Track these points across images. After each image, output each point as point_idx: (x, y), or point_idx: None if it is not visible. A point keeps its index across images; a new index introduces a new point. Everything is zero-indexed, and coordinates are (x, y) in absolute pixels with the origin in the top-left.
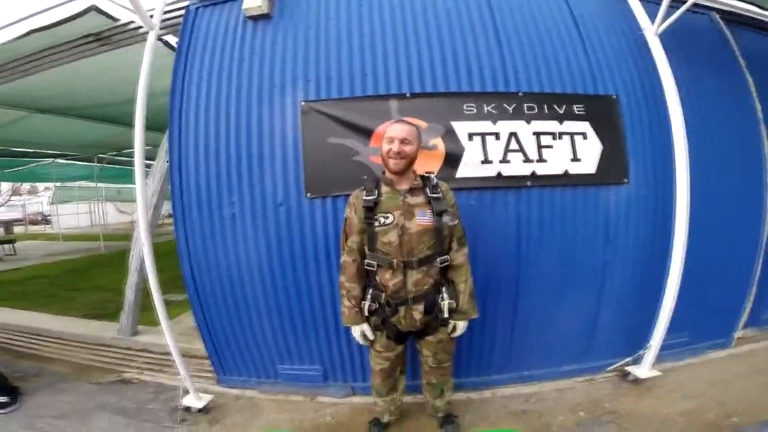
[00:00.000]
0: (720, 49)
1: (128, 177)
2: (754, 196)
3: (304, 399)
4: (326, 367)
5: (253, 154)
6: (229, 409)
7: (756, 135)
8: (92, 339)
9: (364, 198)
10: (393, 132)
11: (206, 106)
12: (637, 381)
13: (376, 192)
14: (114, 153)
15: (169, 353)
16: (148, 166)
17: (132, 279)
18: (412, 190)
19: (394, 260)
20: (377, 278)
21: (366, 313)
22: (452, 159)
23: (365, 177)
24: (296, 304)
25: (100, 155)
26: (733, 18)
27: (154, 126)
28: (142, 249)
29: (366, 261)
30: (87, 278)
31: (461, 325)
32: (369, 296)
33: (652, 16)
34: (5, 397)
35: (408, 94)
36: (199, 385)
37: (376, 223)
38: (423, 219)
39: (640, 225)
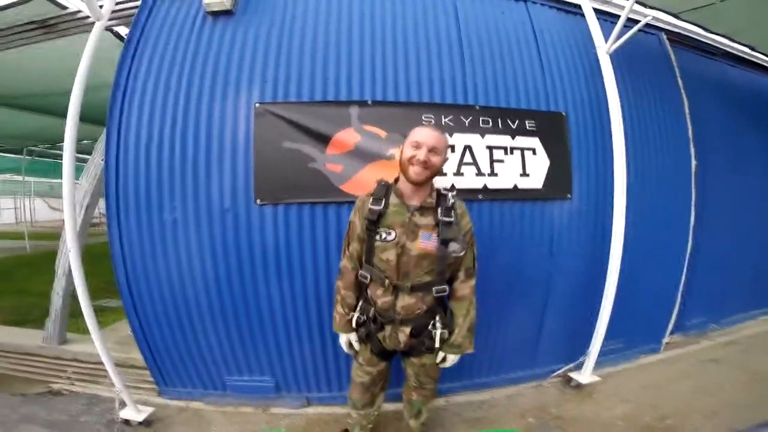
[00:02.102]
0: (664, 68)
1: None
2: (682, 212)
3: (255, 410)
4: (278, 377)
5: (200, 155)
6: (173, 421)
7: (686, 154)
8: (14, 347)
9: (370, 207)
10: (421, 136)
11: (152, 101)
12: (579, 386)
13: (384, 202)
14: (48, 146)
15: (102, 363)
16: (83, 160)
17: (60, 283)
18: (422, 209)
19: (386, 280)
20: (369, 291)
21: (354, 325)
22: None
23: (379, 180)
24: (243, 314)
25: (31, 147)
26: (677, 39)
27: (93, 118)
28: (71, 250)
29: (360, 272)
30: (8, 280)
31: (451, 358)
32: (359, 307)
33: (608, 34)
34: None
35: (369, 102)
36: (139, 397)
37: (377, 237)
38: (426, 243)
39: (581, 238)
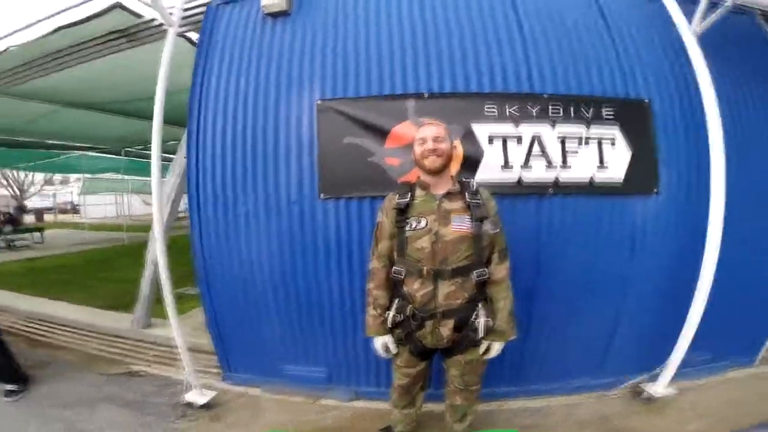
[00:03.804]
0: (762, 50)
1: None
2: None
3: (306, 400)
4: (331, 369)
5: (268, 151)
6: (231, 406)
7: None
8: (105, 329)
9: (397, 200)
10: (424, 133)
11: (224, 103)
12: (650, 399)
13: (410, 195)
14: (140, 147)
15: (177, 347)
16: (168, 160)
17: (148, 271)
18: (449, 195)
19: (425, 268)
20: (405, 288)
21: (390, 325)
22: (471, 162)
23: (399, 183)
24: (305, 304)
25: (127, 149)
26: None
27: (175, 121)
28: (158, 241)
29: (394, 268)
30: (108, 269)
31: (496, 347)
32: (395, 306)
33: (688, 16)
34: (14, 386)
35: (426, 94)
36: (205, 381)
37: (408, 227)
38: (460, 226)
39: (669, 238)
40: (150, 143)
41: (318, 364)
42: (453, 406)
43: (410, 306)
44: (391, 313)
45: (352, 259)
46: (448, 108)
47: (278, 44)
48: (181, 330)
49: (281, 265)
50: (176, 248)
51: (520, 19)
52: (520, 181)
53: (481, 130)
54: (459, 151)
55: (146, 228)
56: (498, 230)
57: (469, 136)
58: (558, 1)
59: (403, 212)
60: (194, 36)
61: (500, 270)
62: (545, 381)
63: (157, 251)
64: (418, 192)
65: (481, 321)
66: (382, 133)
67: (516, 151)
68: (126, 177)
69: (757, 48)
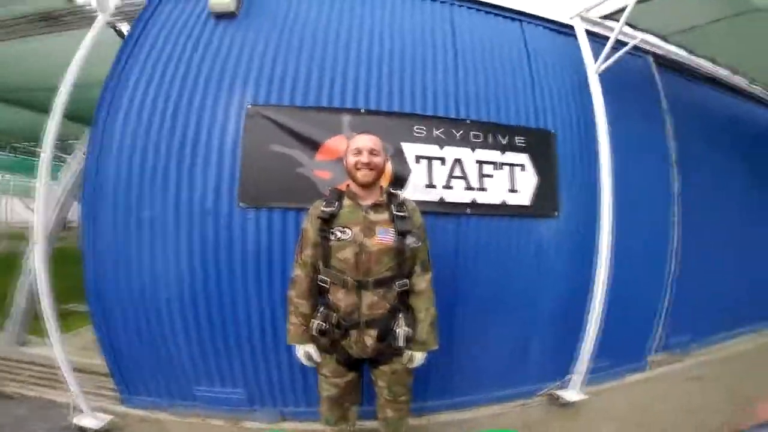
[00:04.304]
0: (649, 90)
1: (52, 172)
2: (665, 231)
3: (225, 424)
4: (252, 390)
5: (185, 153)
6: (132, 431)
7: (669, 174)
8: None
9: (322, 209)
10: (360, 143)
11: (142, 98)
12: (566, 404)
13: (337, 205)
14: (32, 143)
15: (60, 367)
16: (63, 161)
17: (24, 283)
18: (375, 206)
19: (349, 279)
20: (330, 297)
21: (314, 333)
22: (399, 180)
23: (329, 189)
24: (218, 320)
25: (14, 144)
26: (663, 63)
27: (79, 117)
28: (36, 248)
29: (319, 277)
30: None
31: (418, 356)
32: (319, 315)
33: (596, 54)
34: None
35: (362, 110)
36: (100, 404)
37: (332, 237)
38: (384, 237)
39: (568, 256)
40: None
41: (236, 385)
42: (385, 420)
43: (335, 315)
44: (316, 321)
45: (273, 272)
46: (382, 125)
47: (216, 45)
48: (65, 348)
49: (191, 278)
50: (64, 260)
51: (456, 49)
52: (441, 201)
53: (410, 150)
54: (388, 168)
55: (26, 236)
56: (420, 243)
57: (398, 155)
58: (492, 34)
59: (327, 221)
60: (125, 28)
61: (422, 282)
62: (470, 392)
63: (36, 259)
64: (346, 201)
65: (400, 331)
66: (313, 145)
67: (439, 172)
68: (8, 176)
69: (647, 87)
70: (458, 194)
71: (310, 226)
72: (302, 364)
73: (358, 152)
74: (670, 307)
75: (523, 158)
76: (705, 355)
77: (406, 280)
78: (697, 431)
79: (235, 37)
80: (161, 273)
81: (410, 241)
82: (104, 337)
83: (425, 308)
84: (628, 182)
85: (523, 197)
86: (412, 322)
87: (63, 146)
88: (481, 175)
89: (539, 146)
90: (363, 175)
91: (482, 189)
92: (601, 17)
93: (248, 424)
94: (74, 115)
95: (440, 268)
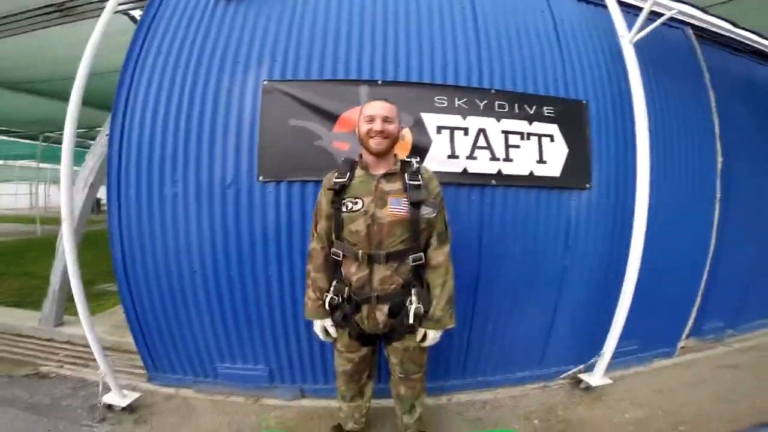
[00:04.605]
0: (689, 63)
1: (79, 159)
2: (705, 210)
3: (246, 401)
4: (272, 366)
5: (204, 130)
6: (159, 408)
7: (712, 150)
8: (8, 328)
9: (334, 180)
10: (374, 110)
11: (160, 78)
12: (589, 388)
13: (349, 175)
14: (62, 132)
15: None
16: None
17: (59, 264)
18: (387, 176)
19: (360, 251)
20: (342, 270)
21: (326, 307)
22: (419, 151)
23: (342, 159)
24: (240, 296)
25: (47, 134)
26: (703, 34)
27: (102, 104)
28: (63, 228)
29: (332, 249)
30: (16, 263)
31: (432, 335)
32: (332, 289)
33: (630, 26)
34: None
35: (380, 81)
36: (128, 382)
37: (344, 209)
38: (396, 208)
39: (599, 231)
40: (76, 128)
41: (258, 362)
42: (399, 397)
43: (347, 288)
44: (329, 295)
45: (293, 246)
46: (400, 96)
47: (229, 23)
48: (96, 327)
49: (213, 254)
50: (99, 242)
51: (476, 16)
52: (465, 172)
53: (431, 120)
54: (408, 139)
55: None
56: (435, 213)
57: (418, 125)
58: (515, 2)
59: (339, 192)
60: (138, 14)
61: (438, 255)
62: (491, 372)
63: (64, 240)
64: (358, 171)
65: (412, 307)
66: (331, 117)
67: (462, 143)
68: (43, 165)
69: (687, 60)
70: (483, 165)
71: (323, 197)
72: (320, 339)
73: (371, 120)
74: (706, 290)
75: (552, 128)
76: (740, 343)
77: (421, 254)
78: (729, 420)
79: (247, 15)
80: (184, 250)
81: (426, 211)
82: (132, 316)
83: (441, 283)
84: (668, 156)
85: (553, 168)
86: (426, 298)
87: (91, 134)
88: (507, 146)
89: (569, 116)
90: (376, 143)
91: (508, 160)
92: None
93: (268, 400)
94: (101, 103)
95: (464, 242)
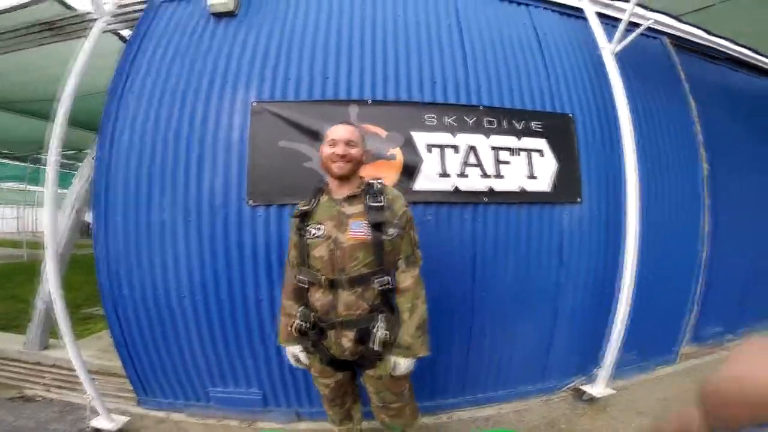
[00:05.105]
0: (668, 72)
1: (68, 181)
2: (695, 217)
3: (240, 424)
4: (266, 390)
5: (192, 153)
6: None
7: (696, 157)
8: None
9: (300, 207)
10: (336, 134)
11: (149, 100)
12: (592, 399)
13: (314, 201)
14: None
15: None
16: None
17: (44, 288)
18: (349, 198)
19: (323, 277)
20: (309, 297)
21: (294, 333)
22: (410, 170)
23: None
24: (230, 320)
25: (36, 155)
26: (680, 43)
27: (93, 125)
28: (48, 252)
29: (298, 277)
30: (2, 286)
31: (402, 363)
32: (299, 314)
33: (609, 37)
34: None
35: (369, 101)
36: (117, 406)
37: (308, 235)
38: (356, 231)
39: (592, 245)
40: (63, 150)
41: (251, 385)
42: (384, 424)
43: (312, 315)
44: (297, 321)
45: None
46: (390, 115)
47: (218, 44)
48: (84, 351)
49: (202, 279)
50: (88, 265)
51: (462, 34)
52: (456, 190)
53: (421, 139)
54: (399, 158)
55: None
56: (397, 234)
57: (408, 144)
58: (498, 18)
59: (303, 219)
60: (128, 34)
61: (406, 278)
62: (492, 388)
63: (47, 264)
64: (323, 197)
65: (378, 334)
66: (321, 138)
67: (453, 160)
68: (30, 187)
69: (666, 69)
70: (474, 182)
71: (292, 225)
72: (291, 365)
73: (333, 144)
74: (701, 296)
75: (540, 143)
76: None
77: (388, 278)
78: None
79: (236, 36)
80: (172, 274)
81: (392, 232)
82: (120, 340)
83: (409, 308)
84: (654, 165)
85: (543, 183)
86: (396, 325)
87: (81, 156)
88: (498, 162)
89: (557, 130)
90: (338, 167)
91: (499, 176)
92: None
93: (263, 424)
94: (91, 125)
95: (457, 259)
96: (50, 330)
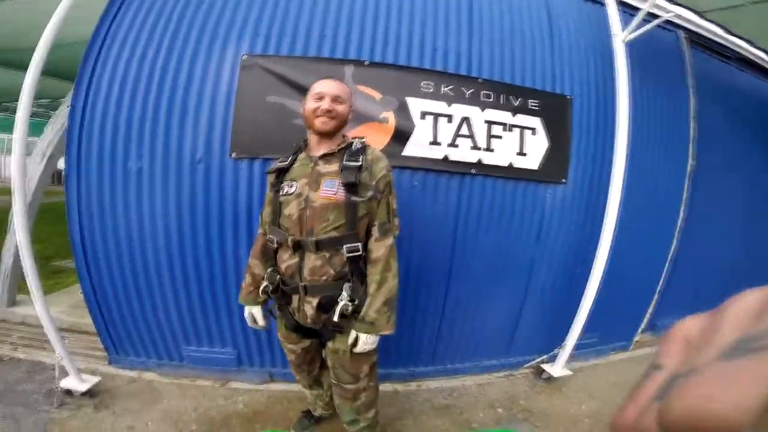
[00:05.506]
0: (676, 66)
1: (36, 129)
2: (671, 212)
3: (213, 384)
4: (240, 349)
5: (175, 102)
6: (121, 393)
7: (685, 153)
8: None
9: (276, 164)
10: (323, 87)
11: (132, 47)
12: (550, 379)
13: (291, 158)
14: (17, 101)
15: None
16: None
17: (11, 240)
18: (326, 156)
19: (290, 238)
20: (276, 257)
21: (261, 294)
22: (401, 135)
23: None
24: (207, 277)
25: (5, 103)
26: (696, 39)
27: (70, 75)
28: (16, 203)
29: (267, 236)
30: None
31: (363, 339)
32: (266, 276)
33: (625, 25)
34: None
35: (366, 62)
36: (87, 365)
37: (281, 192)
38: (328, 191)
39: (571, 226)
40: (39, 98)
41: (225, 345)
42: (336, 407)
43: (278, 277)
44: (264, 282)
45: None
46: (387, 79)
47: None
48: (53, 307)
49: (179, 233)
50: (59, 215)
51: (472, 5)
52: (446, 159)
53: (415, 105)
54: (391, 122)
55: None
56: (372, 197)
57: (402, 109)
58: None
59: (279, 176)
60: None
61: (378, 247)
62: (460, 360)
63: (15, 215)
64: (301, 155)
65: (339, 304)
66: None
67: (445, 130)
68: (1, 135)
69: (674, 63)
70: (464, 153)
71: (268, 181)
72: (249, 325)
73: (320, 97)
74: (663, 288)
75: (535, 122)
76: None
77: (358, 244)
78: None
79: None
80: (148, 227)
81: (366, 195)
82: (91, 296)
83: (378, 280)
84: (642, 156)
85: (532, 161)
86: (363, 297)
87: (55, 105)
88: (490, 136)
89: (553, 111)
90: (321, 122)
91: (489, 150)
92: None
93: (236, 384)
94: (67, 74)
95: (440, 229)
96: (18, 285)
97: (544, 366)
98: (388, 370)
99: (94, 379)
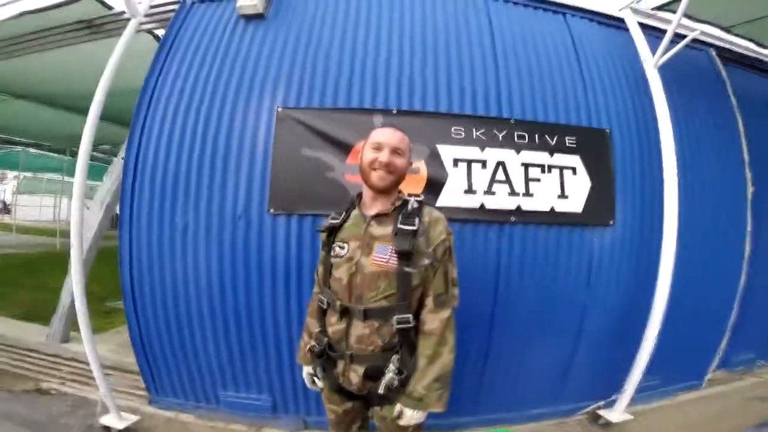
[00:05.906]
0: (714, 86)
1: (97, 174)
2: (736, 242)
3: (248, 429)
4: (276, 397)
5: (217, 159)
6: None
7: (742, 178)
8: (14, 341)
9: (329, 221)
10: (383, 137)
11: (177, 102)
12: (608, 425)
13: (344, 215)
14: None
15: (102, 365)
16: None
17: (69, 281)
18: (379, 217)
19: (338, 302)
20: (326, 319)
21: (308, 354)
22: (434, 185)
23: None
24: (246, 326)
25: (74, 149)
26: (728, 56)
27: (125, 122)
28: (73, 246)
29: (319, 297)
30: (32, 275)
31: (410, 414)
32: (314, 335)
33: (653, 50)
34: None
35: (395, 110)
36: (129, 404)
37: (332, 253)
38: (380, 258)
39: (623, 269)
40: (100, 144)
41: (261, 391)
42: None
43: (326, 340)
44: (312, 342)
45: (302, 279)
46: (416, 127)
47: (246, 47)
48: (102, 345)
49: (221, 283)
50: (115, 258)
51: (495, 43)
52: (482, 207)
53: (447, 152)
54: (423, 173)
55: None
56: (429, 266)
57: (434, 158)
58: (533, 27)
59: (330, 234)
60: (162, 33)
61: (433, 320)
62: (505, 409)
63: (72, 257)
64: (354, 212)
65: (386, 377)
66: (344, 148)
67: (480, 176)
68: (68, 179)
69: (711, 83)
70: (501, 200)
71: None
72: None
73: (378, 147)
74: (736, 322)
75: (574, 160)
76: None
77: (409, 316)
78: None
79: (264, 39)
80: (192, 278)
81: (422, 264)
82: (136, 337)
83: (430, 355)
84: (695, 186)
85: (575, 203)
86: (410, 368)
87: (116, 150)
88: (527, 180)
89: (592, 146)
90: (379, 177)
91: (528, 194)
92: (652, 9)
93: (270, 430)
94: (116, 120)
95: (479, 280)
96: (73, 322)
97: (601, 411)
98: (429, 421)
99: (134, 418)
